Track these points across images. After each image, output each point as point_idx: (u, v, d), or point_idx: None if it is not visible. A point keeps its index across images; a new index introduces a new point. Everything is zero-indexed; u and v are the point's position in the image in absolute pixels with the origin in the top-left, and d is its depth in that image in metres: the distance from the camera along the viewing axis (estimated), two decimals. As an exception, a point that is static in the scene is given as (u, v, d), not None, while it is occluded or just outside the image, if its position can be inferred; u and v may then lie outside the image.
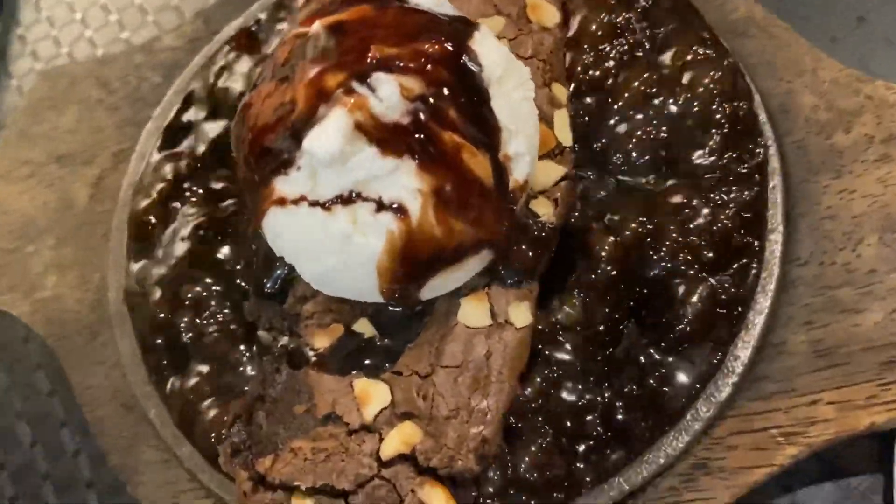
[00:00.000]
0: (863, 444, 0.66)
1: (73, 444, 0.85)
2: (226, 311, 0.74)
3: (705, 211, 0.68)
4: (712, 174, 0.69)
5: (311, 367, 0.66)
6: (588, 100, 0.75)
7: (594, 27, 0.78)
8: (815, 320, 0.65)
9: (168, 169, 0.82)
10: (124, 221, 0.82)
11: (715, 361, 0.64)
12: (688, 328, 0.65)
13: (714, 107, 0.72)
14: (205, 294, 0.75)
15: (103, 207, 0.86)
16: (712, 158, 0.70)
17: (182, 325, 0.74)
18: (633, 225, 0.68)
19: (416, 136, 0.55)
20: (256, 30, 0.88)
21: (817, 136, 0.71)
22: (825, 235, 0.67)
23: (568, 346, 0.65)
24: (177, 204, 0.80)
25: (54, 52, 1.12)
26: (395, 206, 0.56)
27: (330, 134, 0.54)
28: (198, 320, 0.74)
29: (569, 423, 0.63)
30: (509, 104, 0.59)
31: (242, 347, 0.72)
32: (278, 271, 0.70)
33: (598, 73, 0.75)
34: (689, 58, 0.74)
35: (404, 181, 0.55)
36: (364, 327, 0.67)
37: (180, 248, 0.78)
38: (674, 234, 0.67)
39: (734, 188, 0.69)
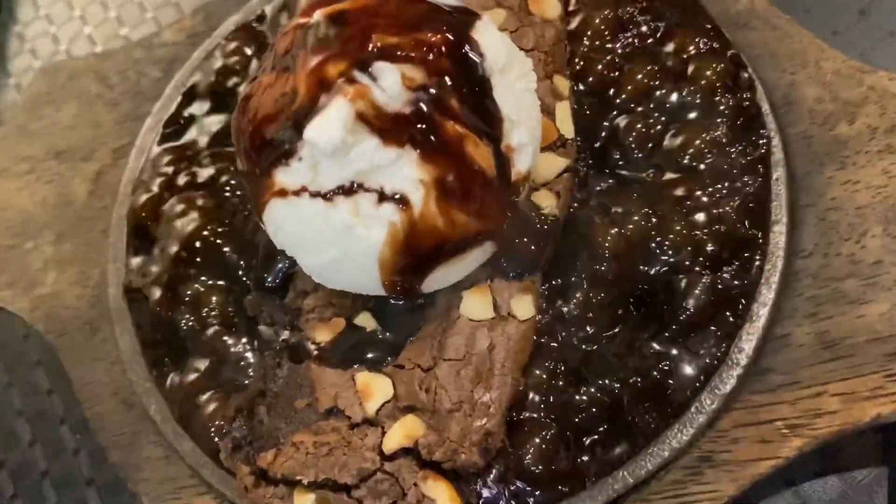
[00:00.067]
0: (867, 438, 0.66)
1: (72, 442, 0.85)
2: (226, 306, 0.73)
3: (708, 203, 0.67)
4: (716, 166, 0.69)
5: (312, 361, 0.65)
6: (590, 93, 0.74)
7: (597, 21, 0.77)
8: (820, 312, 0.64)
9: (168, 164, 0.82)
10: (124, 217, 0.82)
11: (719, 354, 0.63)
12: (692, 320, 0.64)
13: (717, 99, 0.71)
14: (205, 289, 0.75)
15: (103, 203, 0.86)
16: (715, 150, 0.69)
17: (182, 320, 0.74)
18: (636, 218, 0.68)
19: (418, 126, 0.54)
20: (257, 24, 0.87)
21: (821, 128, 0.70)
22: (830, 227, 0.67)
23: (571, 339, 0.65)
24: (177, 199, 0.79)
25: (53, 49, 1.12)
26: (396, 196, 0.55)
27: (331, 124, 0.53)
28: (198, 315, 0.74)
29: (573, 417, 0.62)
30: (512, 94, 0.59)
31: (243, 342, 0.72)
32: (279, 265, 0.70)
33: (600, 66, 0.75)
34: (691, 50, 0.74)
35: (406, 172, 0.55)
36: (366, 321, 0.66)
37: (180, 243, 0.77)
38: (677, 227, 0.67)
39: (738, 180, 0.68)
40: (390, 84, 0.54)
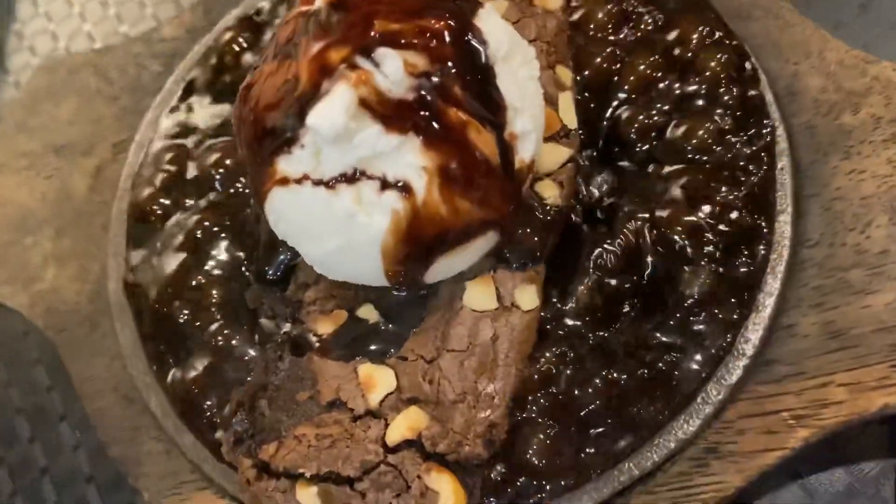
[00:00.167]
0: (873, 430, 0.66)
1: (72, 439, 0.84)
2: (227, 299, 0.73)
3: (713, 194, 0.67)
4: (720, 156, 0.69)
5: (314, 354, 0.65)
6: (593, 84, 0.74)
7: (600, 13, 0.77)
8: (826, 302, 0.64)
9: (168, 158, 0.81)
10: (124, 211, 0.82)
11: (725, 344, 0.63)
12: (697, 311, 0.64)
13: (721, 89, 0.71)
14: (205, 283, 0.74)
15: (102, 198, 0.85)
16: (719, 141, 0.69)
17: (183, 314, 0.73)
18: (641, 207, 0.67)
19: (421, 112, 0.54)
20: (257, 18, 0.87)
21: (825, 118, 0.70)
22: (835, 216, 0.66)
23: (576, 330, 0.64)
24: (177, 193, 0.79)
25: (52, 46, 1.12)
26: (399, 184, 0.55)
27: (334, 110, 0.53)
28: (199, 309, 0.73)
29: (578, 408, 0.62)
30: (515, 82, 0.58)
31: (244, 336, 0.71)
32: (280, 257, 0.70)
33: (600, 59, 0.75)
34: (694, 41, 0.74)
35: (409, 158, 0.55)
36: (368, 313, 0.66)
37: (180, 237, 0.77)
38: (681, 218, 0.66)
39: (742, 170, 0.68)
40: (393, 70, 0.53)
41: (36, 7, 1.16)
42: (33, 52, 1.12)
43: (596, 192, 0.70)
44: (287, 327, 0.68)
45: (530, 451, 0.61)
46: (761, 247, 0.66)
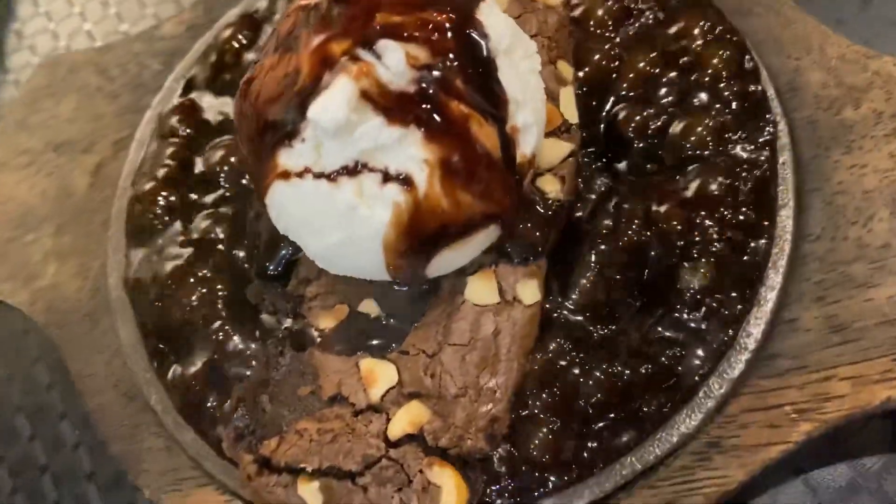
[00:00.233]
0: (875, 425, 0.66)
1: (72, 437, 0.84)
2: (228, 295, 0.73)
3: (714, 188, 0.67)
4: (721, 152, 0.69)
5: (315, 349, 0.65)
6: (593, 81, 0.74)
7: (601, 10, 0.77)
8: (828, 296, 0.64)
9: (169, 154, 0.81)
10: (124, 208, 0.81)
11: (727, 338, 0.63)
12: (699, 306, 0.64)
13: (722, 85, 0.71)
14: (206, 279, 0.74)
15: (103, 195, 0.85)
16: (720, 136, 0.69)
17: (183, 310, 0.73)
18: (641, 203, 0.67)
19: (423, 105, 0.54)
20: (257, 15, 0.87)
21: (826, 112, 0.70)
22: (837, 210, 0.66)
23: (578, 325, 0.64)
24: (177, 189, 0.79)
25: (52, 45, 1.12)
26: (401, 177, 0.55)
27: (335, 102, 0.53)
28: (199, 305, 0.73)
29: (580, 402, 0.62)
30: (516, 75, 0.58)
31: (245, 332, 0.71)
32: (282, 252, 0.69)
33: (602, 54, 0.75)
34: (695, 36, 0.74)
35: (411, 151, 0.54)
36: (369, 308, 0.66)
37: (181, 234, 0.77)
38: (683, 213, 0.66)
39: (744, 164, 0.68)
40: (395, 62, 0.53)
41: (36, 6, 1.16)
42: (33, 51, 1.12)
43: (597, 188, 0.70)
44: (288, 322, 0.68)
45: (533, 446, 0.61)
46: (763, 241, 0.65)
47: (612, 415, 0.62)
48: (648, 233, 0.66)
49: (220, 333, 0.71)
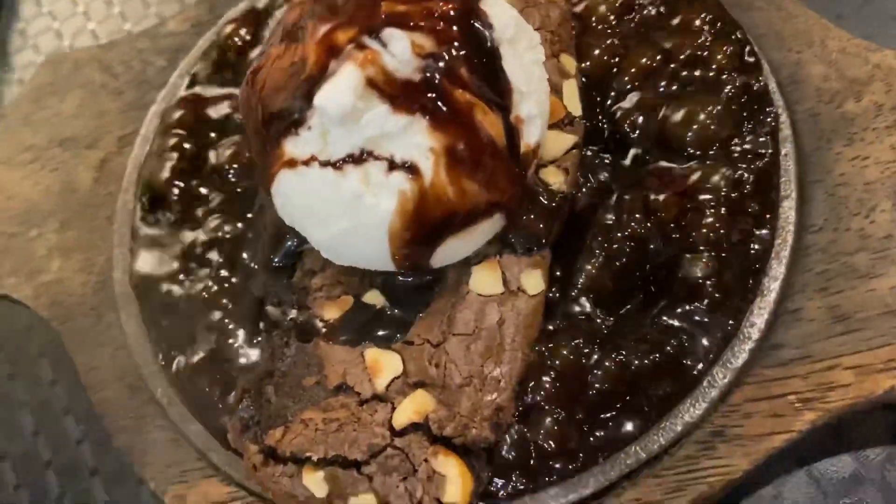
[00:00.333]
0: (878, 418, 0.66)
1: (76, 432, 0.84)
2: (232, 287, 0.73)
3: (717, 179, 0.67)
4: (723, 144, 0.69)
5: (321, 339, 0.65)
6: (594, 75, 0.74)
7: (604, 6, 0.78)
8: (831, 286, 0.64)
9: (174, 149, 0.81)
10: (129, 203, 0.82)
11: (731, 328, 0.63)
12: (702, 296, 0.64)
13: (724, 78, 0.71)
14: (211, 271, 0.74)
15: (107, 190, 0.85)
16: (722, 128, 0.69)
17: (188, 303, 0.73)
18: (644, 194, 0.67)
19: (428, 93, 0.54)
20: (261, 11, 0.87)
21: (828, 105, 0.70)
22: (839, 202, 0.66)
23: (582, 315, 0.64)
24: (182, 182, 0.79)
25: (56, 45, 1.12)
26: (407, 164, 0.55)
27: (341, 89, 0.53)
28: (204, 298, 0.73)
29: (585, 392, 0.62)
30: (521, 66, 0.59)
31: (250, 323, 0.71)
32: (288, 243, 0.70)
33: (603, 49, 0.75)
34: (696, 30, 0.74)
35: (416, 139, 0.55)
36: (374, 298, 0.66)
37: (186, 226, 0.77)
38: (686, 204, 0.67)
39: (746, 157, 0.68)
40: (400, 50, 0.54)
41: (40, 6, 1.16)
42: (37, 50, 1.13)
43: (598, 180, 0.70)
44: (293, 314, 0.68)
45: (538, 435, 0.61)
46: (766, 232, 0.66)
47: (616, 404, 0.62)
48: (649, 224, 0.67)
49: (225, 325, 0.71)
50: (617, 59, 0.75)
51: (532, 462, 0.61)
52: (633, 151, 0.72)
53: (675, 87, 0.73)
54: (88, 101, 0.92)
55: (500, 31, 0.58)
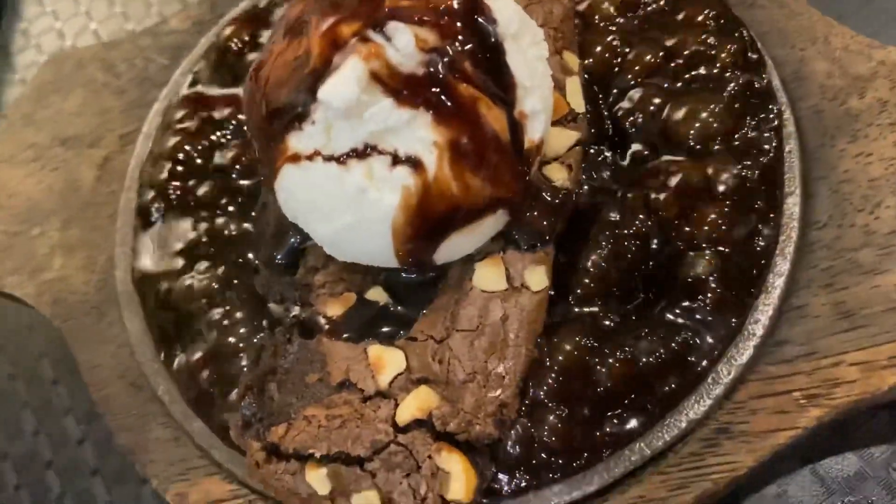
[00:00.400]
0: (882, 417, 0.66)
1: (77, 432, 0.84)
2: (235, 285, 0.73)
3: (721, 177, 0.67)
4: (727, 140, 0.69)
5: (323, 336, 0.64)
6: (596, 73, 0.74)
7: (606, 3, 0.78)
8: (836, 282, 0.64)
9: (176, 147, 0.81)
10: (132, 201, 0.82)
11: (735, 325, 0.63)
12: (706, 293, 0.64)
13: (727, 75, 0.71)
14: (213, 270, 0.74)
15: (110, 189, 0.85)
16: (726, 124, 0.69)
17: (190, 301, 0.73)
18: (648, 192, 0.67)
19: (432, 87, 0.54)
20: (264, 8, 0.87)
21: (831, 102, 0.70)
22: (843, 198, 0.66)
23: (586, 312, 0.64)
24: (184, 181, 0.79)
25: (59, 44, 1.13)
26: (410, 159, 0.55)
27: (346, 82, 0.53)
28: (206, 296, 0.73)
29: (589, 389, 0.62)
30: (524, 61, 0.59)
31: (253, 321, 0.71)
32: (291, 240, 0.69)
33: (605, 46, 0.75)
34: (700, 27, 0.74)
35: (420, 133, 0.55)
36: (377, 295, 0.66)
37: (188, 224, 0.77)
38: (691, 201, 0.67)
39: (750, 154, 0.68)
40: (404, 44, 0.54)
41: (42, 6, 1.17)
42: (40, 50, 1.13)
43: (603, 177, 0.70)
44: (296, 311, 0.68)
45: (542, 431, 0.60)
46: (770, 228, 0.66)
47: (620, 401, 0.62)
48: (651, 222, 0.66)
49: (228, 323, 0.71)
50: (619, 59, 0.75)
51: (536, 459, 0.61)
52: (635, 148, 0.72)
53: (678, 85, 0.73)
54: (91, 99, 0.92)
55: (504, 26, 0.58)
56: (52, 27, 1.14)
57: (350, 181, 0.56)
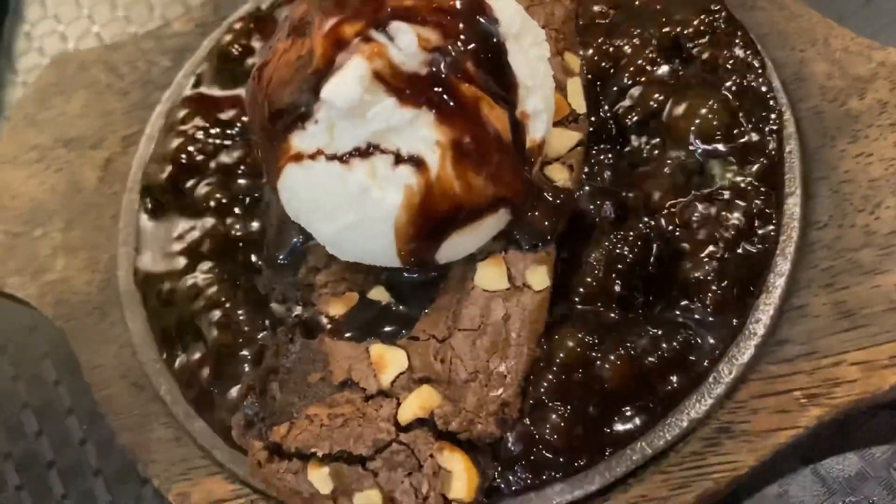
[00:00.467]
0: (883, 417, 0.66)
1: (79, 433, 0.84)
2: (237, 285, 0.73)
3: (723, 177, 0.67)
4: (727, 141, 0.69)
5: (326, 335, 0.65)
6: (598, 74, 0.75)
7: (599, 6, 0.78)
8: (836, 282, 0.64)
9: (179, 147, 0.82)
10: (134, 202, 0.82)
11: (736, 325, 0.63)
12: (708, 293, 0.64)
13: (728, 77, 0.72)
14: (215, 269, 0.74)
15: (112, 190, 0.85)
16: (728, 127, 0.69)
17: (192, 301, 0.73)
18: (649, 191, 0.68)
19: (435, 86, 0.54)
20: (267, 10, 0.88)
21: (831, 103, 0.71)
22: (843, 198, 0.67)
23: (587, 312, 0.64)
24: (187, 181, 0.80)
25: (61, 47, 1.13)
26: (413, 158, 0.55)
27: (348, 82, 0.53)
28: (208, 296, 0.73)
29: (590, 388, 0.62)
30: (526, 61, 0.59)
31: (255, 321, 0.71)
32: (293, 240, 0.70)
33: (607, 47, 0.75)
34: (700, 30, 0.74)
35: (423, 133, 0.55)
36: (379, 294, 0.66)
37: (190, 224, 0.77)
38: (692, 201, 0.67)
39: (751, 154, 0.68)
40: (407, 43, 0.54)
41: (45, 9, 1.17)
42: (42, 53, 1.14)
43: (604, 178, 0.70)
44: (298, 310, 0.68)
45: (543, 430, 0.61)
46: (771, 229, 0.66)
47: (622, 400, 0.62)
48: (657, 221, 0.67)
49: (230, 323, 0.71)
50: (619, 58, 0.75)
51: (537, 458, 0.61)
52: (636, 147, 0.72)
53: (678, 86, 0.73)
54: (94, 101, 0.92)
55: (506, 26, 0.58)
56: (54, 30, 1.15)
57: (353, 180, 0.56)
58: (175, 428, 0.71)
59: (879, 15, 0.84)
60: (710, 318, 0.64)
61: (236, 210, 0.77)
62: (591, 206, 0.68)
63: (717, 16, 0.75)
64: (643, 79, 0.73)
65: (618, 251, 0.66)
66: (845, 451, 0.66)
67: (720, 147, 0.69)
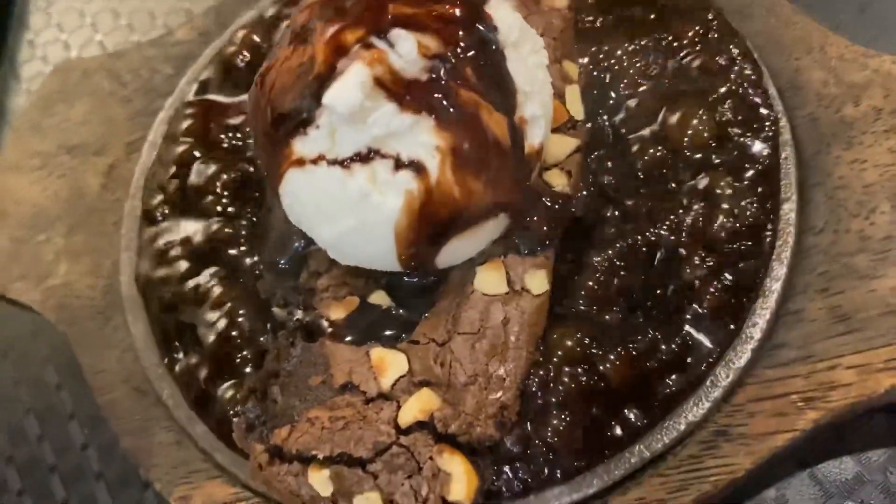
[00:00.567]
0: (879, 421, 0.66)
1: (81, 437, 0.84)
2: (239, 290, 0.74)
3: (719, 184, 0.68)
4: (723, 148, 0.70)
5: (326, 339, 0.65)
6: (593, 82, 0.75)
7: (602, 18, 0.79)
8: (832, 287, 0.65)
9: (181, 154, 0.82)
10: (137, 207, 0.82)
11: (733, 329, 0.64)
12: (705, 297, 0.65)
13: (724, 84, 0.73)
14: (217, 274, 0.75)
15: (115, 196, 0.86)
16: (720, 131, 0.70)
17: (194, 305, 0.74)
18: (646, 198, 0.68)
19: (435, 93, 0.55)
20: (270, 18, 0.89)
21: (827, 110, 0.71)
22: (839, 204, 0.67)
23: (585, 316, 0.65)
24: (189, 187, 0.80)
25: (64, 55, 1.14)
26: (413, 163, 0.56)
27: (350, 87, 0.54)
28: (210, 300, 0.74)
29: (588, 392, 0.62)
30: (525, 68, 0.60)
31: (256, 325, 0.71)
32: (294, 244, 0.70)
33: (592, 56, 0.76)
34: (696, 39, 0.75)
35: (423, 138, 0.56)
36: (380, 299, 0.67)
37: (192, 229, 0.78)
38: (689, 207, 0.68)
39: (747, 161, 0.69)
40: (407, 50, 0.55)
41: (48, 17, 1.18)
42: (45, 61, 1.14)
43: (601, 184, 0.71)
44: (299, 314, 0.68)
45: (542, 433, 0.61)
46: (767, 234, 0.67)
47: (620, 403, 0.62)
48: (652, 227, 0.67)
49: (231, 327, 0.72)
50: (616, 66, 0.76)
51: (536, 460, 0.61)
52: (633, 156, 0.72)
53: (674, 93, 0.73)
54: (97, 108, 0.93)
55: (505, 34, 0.59)
56: (57, 38, 1.16)
57: (353, 185, 0.57)
58: (176, 432, 0.72)
59: (874, 23, 0.85)
60: (708, 323, 0.64)
61: (237, 215, 0.78)
62: (590, 211, 0.69)
63: (712, 24, 0.76)
64: (639, 87, 0.74)
65: (616, 255, 0.66)
66: (842, 455, 0.66)
67: (716, 154, 0.70)
